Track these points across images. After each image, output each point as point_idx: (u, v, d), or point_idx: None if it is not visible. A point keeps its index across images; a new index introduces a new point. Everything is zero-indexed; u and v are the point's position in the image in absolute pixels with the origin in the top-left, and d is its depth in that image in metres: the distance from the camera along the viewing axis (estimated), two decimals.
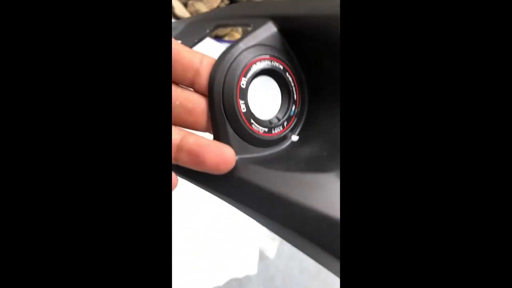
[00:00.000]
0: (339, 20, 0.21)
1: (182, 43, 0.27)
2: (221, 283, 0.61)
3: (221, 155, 0.21)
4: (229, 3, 1.29)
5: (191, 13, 1.19)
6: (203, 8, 1.19)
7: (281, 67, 0.24)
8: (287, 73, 0.24)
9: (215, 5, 1.24)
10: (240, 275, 0.62)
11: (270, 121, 0.24)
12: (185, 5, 1.20)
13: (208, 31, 0.27)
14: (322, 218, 0.18)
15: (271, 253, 0.67)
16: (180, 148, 0.22)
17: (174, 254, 0.56)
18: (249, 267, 0.63)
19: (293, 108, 0.25)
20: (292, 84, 0.25)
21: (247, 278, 0.63)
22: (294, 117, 0.25)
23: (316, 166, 0.21)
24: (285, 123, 0.25)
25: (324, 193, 0.19)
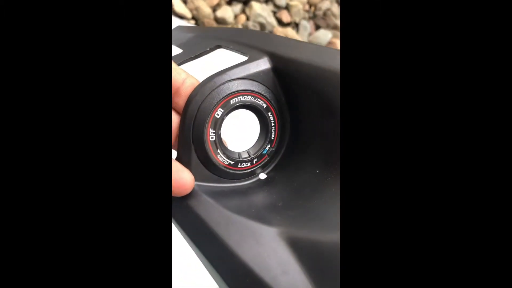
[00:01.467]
0: (337, 77, 0.20)
1: (182, 53, 0.28)
2: None
3: (178, 180, 0.21)
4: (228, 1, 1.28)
5: (191, 10, 1.18)
6: (203, 4, 1.18)
7: (264, 105, 0.24)
8: (269, 113, 0.24)
9: (215, 2, 1.23)
10: None
11: (239, 154, 0.24)
12: (185, 1, 1.19)
13: (208, 49, 0.27)
14: (247, 272, 0.18)
15: None
16: None
17: (174, 255, 0.56)
18: None
19: (267, 147, 0.25)
20: (273, 124, 0.24)
21: None
22: (266, 156, 0.25)
23: (265, 215, 0.21)
24: (254, 160, 0.25)
25: (257, 248, 0.19)
